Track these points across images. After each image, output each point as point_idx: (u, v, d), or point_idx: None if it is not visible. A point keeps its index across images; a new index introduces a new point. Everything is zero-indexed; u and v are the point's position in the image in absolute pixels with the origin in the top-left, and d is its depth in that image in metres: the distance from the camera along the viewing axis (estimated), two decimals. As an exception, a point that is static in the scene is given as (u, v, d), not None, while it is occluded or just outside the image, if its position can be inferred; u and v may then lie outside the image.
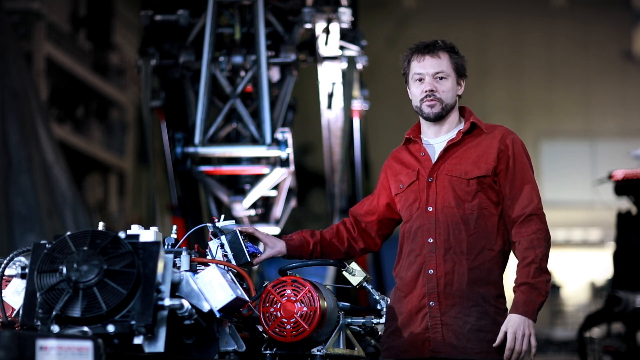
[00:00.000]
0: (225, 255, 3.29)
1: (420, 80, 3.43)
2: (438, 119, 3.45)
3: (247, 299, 3.09)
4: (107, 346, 2.55)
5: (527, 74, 20.32)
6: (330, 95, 6.30)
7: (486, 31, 20.10)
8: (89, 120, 15.47)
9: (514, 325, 3.23)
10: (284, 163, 5.79)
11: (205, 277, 2.96)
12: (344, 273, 3.56)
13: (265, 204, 6.49)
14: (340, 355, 3.35)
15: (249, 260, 3.31)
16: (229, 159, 6.13)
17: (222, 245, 3.30)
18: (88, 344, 2.41)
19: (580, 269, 19.48)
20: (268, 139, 5.73)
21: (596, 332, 8.88)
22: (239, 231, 3.34)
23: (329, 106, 6.36)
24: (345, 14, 5.99)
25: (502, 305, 3.37)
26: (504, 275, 3.41)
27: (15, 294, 3.10)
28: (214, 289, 2.94)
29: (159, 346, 2.77)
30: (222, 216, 3.43)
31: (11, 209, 8.07)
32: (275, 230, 6.33)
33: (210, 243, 3.33)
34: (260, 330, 3.26)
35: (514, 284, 3.29)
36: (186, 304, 2.83)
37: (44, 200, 8.35)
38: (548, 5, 20.12)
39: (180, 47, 5.93)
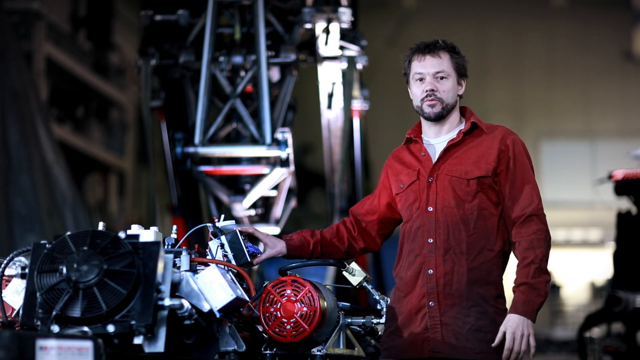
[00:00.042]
0: (225, 255, 3.29)
1: (421, 80, 3.43)
2: (439, 118, 3.45)
3: (247, 299, 3.09)
4: (107, 346, 2.55)
5: (527, 74, 20.32)
6: (330, 95, 6.30)
7: (486, 31, 20.10)
8: (89, 120, 15.47)
9: (512, 325, 3.23)
10: (284, 163, 5.79)
11: (205, 277, 2.96)
12: (344, 273, 3.56)
13: (265, 204, 6.49)
14: (340, 355, 3.35)
15: (249, 260, 3.31)
16: (229, 159, 6.13)
17: (222, 245, 3.30)
18: (88, 344, 2.41)
19: (580, 269, 19.48)
20: (268, 139, 5.73)
21: (596, 332, 8.88)
22: (239, 231, 3.34)
23: (329, 106, 6.35)
24: (345, 14, 5.99)
25: (502, 305, 3.36)
26: (504, 276, 3.41)
27: (15, 294, 3.10)
28: (214, 289, 2.94)
29: (159, 346, 2.77)
30: (222, 216, 3.43)
31: (11, 209, 8.07)
32: (275, 230, 6.33)
33: (210, 243, 3.32)
34: (260, 330, 3.26)
35: (513, 284, 3.29)
36: (186, 304, 2.83)
37: (44, 200, 8.35)
38: (548, 5, 20.12)
39: (180, 47, 5.93)
